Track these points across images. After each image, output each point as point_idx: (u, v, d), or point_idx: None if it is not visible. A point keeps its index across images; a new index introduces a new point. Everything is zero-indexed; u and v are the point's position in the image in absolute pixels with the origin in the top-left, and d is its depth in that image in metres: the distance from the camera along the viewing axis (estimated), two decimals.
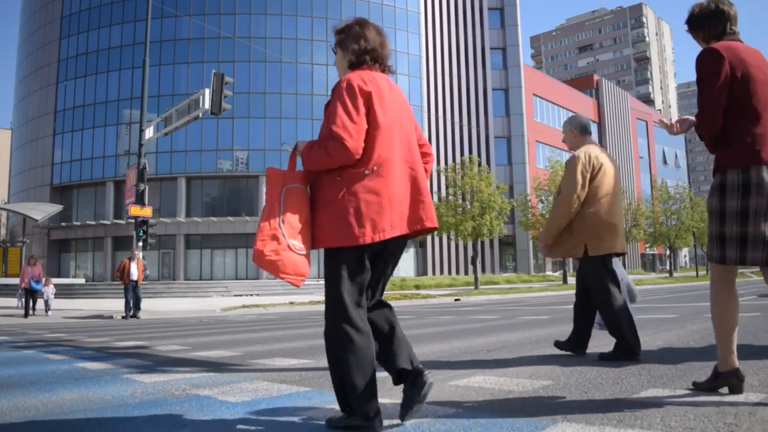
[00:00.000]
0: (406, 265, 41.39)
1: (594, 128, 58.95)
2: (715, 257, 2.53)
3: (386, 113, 2.33)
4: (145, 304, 18.44)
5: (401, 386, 2.26)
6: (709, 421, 2.17)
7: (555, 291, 23.96)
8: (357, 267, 2.20)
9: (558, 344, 4.38)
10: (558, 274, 44.85)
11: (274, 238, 2.18)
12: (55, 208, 36.09)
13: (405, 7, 42.79)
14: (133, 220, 16.89)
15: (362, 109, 2.24)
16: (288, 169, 2.36)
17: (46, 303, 16.11)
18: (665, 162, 70.48)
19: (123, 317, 14.20)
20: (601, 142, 59.41)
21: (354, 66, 2.48)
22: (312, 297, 23.15)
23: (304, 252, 2.23)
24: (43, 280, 16.01)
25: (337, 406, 2.32)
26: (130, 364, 4.63)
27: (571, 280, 36.97)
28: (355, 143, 2.17)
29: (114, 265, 35.28)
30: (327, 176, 2.24)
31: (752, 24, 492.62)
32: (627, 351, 3.88)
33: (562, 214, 4.00)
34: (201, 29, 38.38)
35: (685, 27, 2.79)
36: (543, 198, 32.89)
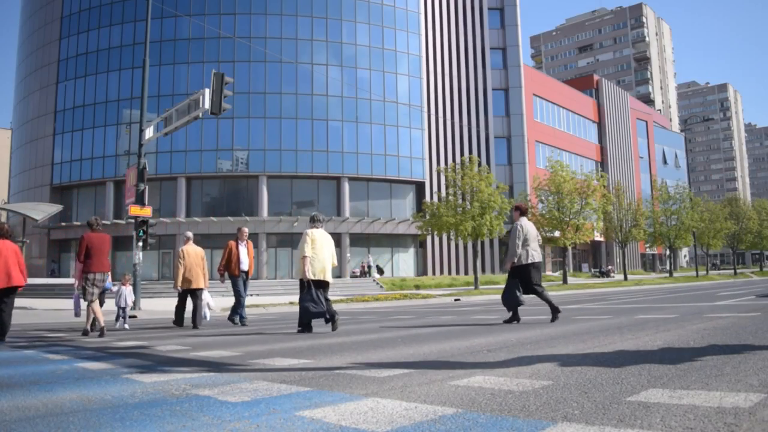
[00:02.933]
0: (405, 265, 41.41)
1: (594, 128, 59.06)
2: None
3: None
4: (145, 304, 18.44)
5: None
6: (709, 421, 2.17)
7: (555, 291, 23.94)
8: None
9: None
10: (558, 274, 44.84)
11: None
12: (55, 208, 36.08)
13: (405, 7, 42.79)
14: (133, 220, 16.90)
15: None
16: None
17: (123, 311, 10.79)
18: (665, 162, 70.47)
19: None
20: (601, 142, 59.43)
21: None
22: None
23: None
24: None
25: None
26: (130, 364, 4.62)
27: (572, 279, 36.97)
28: None
29: (114, 265, 35.28)
30: None
31: (752, 24, 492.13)
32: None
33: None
34: (201, 29, 38.39)
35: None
36: (543, 198, 32.88)
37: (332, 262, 7.68)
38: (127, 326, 10.61)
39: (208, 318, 11.35)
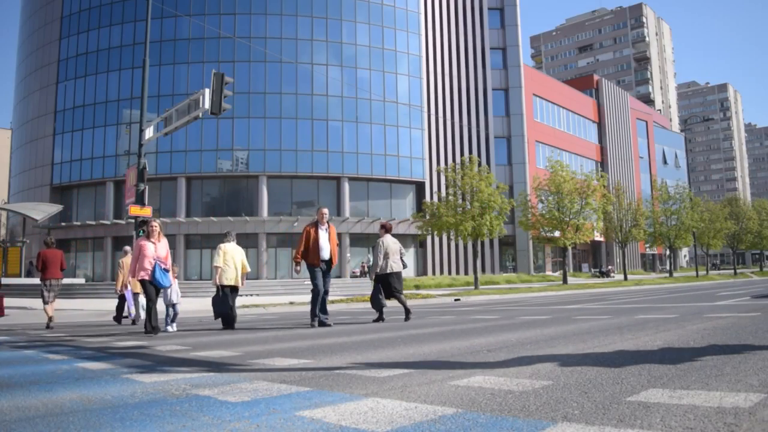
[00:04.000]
0: None
1: (594, 128, 59.06)
2: None
3: None
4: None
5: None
6: (709, 421, 2.17)
7: (555, 291, 23.95)
8: None
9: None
10: (558, 274, 44.86)
11: None
12: (55, 208, 36.11)
13: (405, 7, 42.79)
14: (133, 220, 16.90)
15: None
16: None
17: (173, 307, 9.38)
18: (665, 162, 70.47)
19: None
20: (601, 142, 59.43)
21: None
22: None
23: None
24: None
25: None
26: (130, 364, 4.62)
27: (572, 280, 36.98)
28: None
29: (113, 265, 35.30)
30: None
31: (752, 24, 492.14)
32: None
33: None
34: (201, 29, 38.39)
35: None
36: (543, 198, 32.88)
37: (243, 269, 9.45)
38: (171, 328, 9.09)
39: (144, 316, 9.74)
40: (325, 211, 8.86)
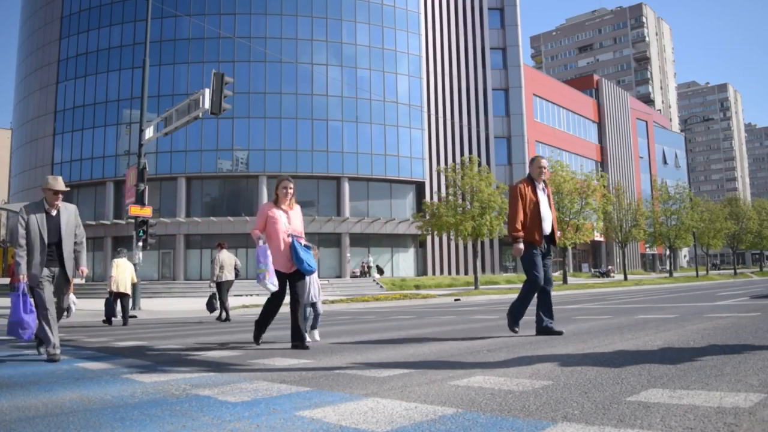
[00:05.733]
0: (405, 265, 41.41)
1: (594, 128, 59.04)
2: None
3: None
4: (145, 303, 18.45)
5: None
6: (709, 421, 2.17)
7: (555, 291, 23.93)
8: None
9: None
10: (558, 274, 44.85)
11: None
12: None
13: (405, 7, 42.79)
14: (133, 220, 16.89)
15: None
16: None
17: (314, 308, 6.64)
18: (665, 162, 70.47)
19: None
20: (601, 142, 59.43)
21: None
22: None
23: None
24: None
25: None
26: (130, 364, 4.63)
27: (572, 280, 36.98)
28: None
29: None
30: None
31: (752, 24, 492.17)
32: None
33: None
34: (201, 29, 38.38)
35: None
36: None
37: (132, 280, 12.28)
38: (315, 336, 6.54)
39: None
40: (545, 163, 6.12)
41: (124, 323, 11.65)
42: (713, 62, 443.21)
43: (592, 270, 53.19)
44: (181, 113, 16.17)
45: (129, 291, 12.16)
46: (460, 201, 29.07)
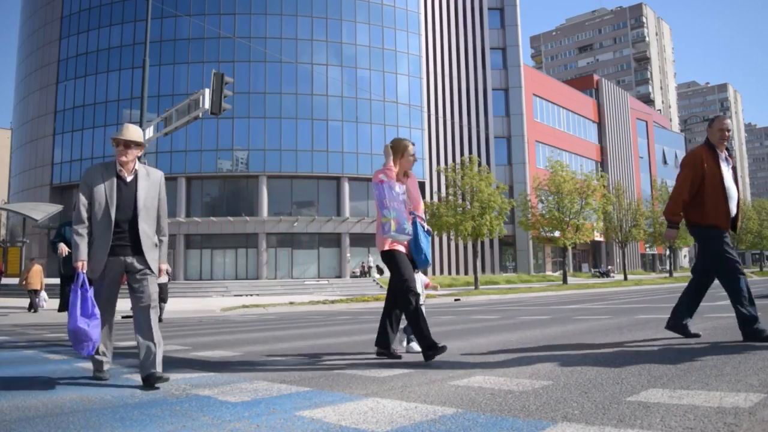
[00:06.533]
0: None
1: (594, 128, 59.01)
2: None
3: None
4: None
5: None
6: (709, 421, 2.17)
7: (555, 291, 23.95)
8: None
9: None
10: (558, 274, 44.84)
11: None
12: (55, 208, 36.05)
13: (405, 7, 42.79)
14: None
15: None
16: None
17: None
18: (665, 162, 70.47)
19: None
20: (601, 142, 59.42)
21: None
22: (312, 297, 23.18)
23: None
24: None
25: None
26: (130, 364, 4.62)
27: (572, 280, 36.98)
28: None
29: None
30: None
31: (752, 24, 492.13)
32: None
33: None
34: (201, 29, 38.38)
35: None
36: (543, 198, 32.88)
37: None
38: (412, 344, 4.87)
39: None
40: (728, 124, 4.70)
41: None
42: (713, 62, 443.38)
43: (592, 270, 53.18)
44: (181, 113, 16.17)
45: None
46: (460, 201, 29.08)
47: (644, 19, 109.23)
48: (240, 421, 2.49)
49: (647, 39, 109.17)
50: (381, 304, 17.64)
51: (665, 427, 2.13)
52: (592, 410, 2.44)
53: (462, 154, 40.66)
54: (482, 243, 38.00)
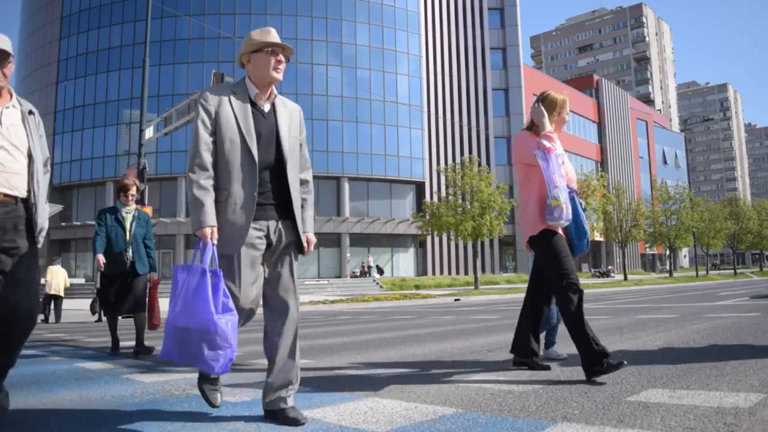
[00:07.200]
0: (405, 265, 41.41)
1: (594, 128, 59.00)
2: None
3: None
4: None
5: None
6: (709, 421, 2.17)
7: None
8: None
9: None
10: None
11: None
12: (55, 208, 35.89)
13: (405, 7, 42.80)
14: None
15: None
16: None
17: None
18: (665, 162, 70.46)
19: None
20: (601, 142, 59.41)
21: None
22: (312, 297, 23.18)
23: None
24: None
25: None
26: (130, 364, 4.63)
27: None
28: None
29: None
30: None
31: (752, 24, 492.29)
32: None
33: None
34: (201, 29, 38.38)
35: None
36: None
37: (65, 284, 14.13)
38: (556, 351, 4.57)
39: None
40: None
41: (57, 321, 13.60)
42: (713, 62, 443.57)
43: (592, 270, 53.16)
44: (181, 113, 16.16)
45: (62, 293, 13.95)
46: (460, 201, 29.07)
47: (644, 19, 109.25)
48: (240, 421, 2.49)
49: (647, 39, 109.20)
50: (381, 304, 17.65)
51: (665, 427, 2.13)
52: (592, 410, 2.44)
53: (462, 154, 40.66)
54: (482, 243, 37.99)
